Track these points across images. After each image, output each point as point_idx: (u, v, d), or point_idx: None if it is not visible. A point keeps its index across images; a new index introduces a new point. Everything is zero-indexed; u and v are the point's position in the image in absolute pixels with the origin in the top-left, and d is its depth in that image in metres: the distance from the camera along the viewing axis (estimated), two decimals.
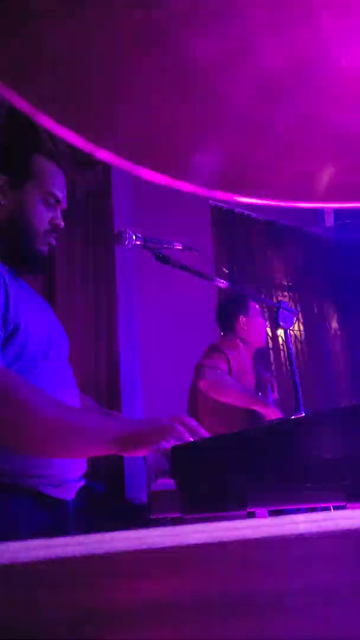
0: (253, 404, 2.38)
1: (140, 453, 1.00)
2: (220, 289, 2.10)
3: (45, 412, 0.97)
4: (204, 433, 1.00)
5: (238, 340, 2.57)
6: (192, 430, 0.98)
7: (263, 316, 2.80)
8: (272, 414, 2.37)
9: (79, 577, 0.24)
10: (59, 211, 1.26)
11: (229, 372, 2.43)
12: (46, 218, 1.23)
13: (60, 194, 1.26)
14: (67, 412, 1.02)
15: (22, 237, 1.20)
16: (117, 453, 1.02)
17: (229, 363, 2.43)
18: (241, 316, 2.63)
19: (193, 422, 1.00)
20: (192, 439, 0.96)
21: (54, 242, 1.26)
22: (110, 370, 3.20)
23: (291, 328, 1.62)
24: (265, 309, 3.00)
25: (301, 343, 4.60)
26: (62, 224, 1.26)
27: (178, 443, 0.90)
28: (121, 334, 3.30)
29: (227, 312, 2.72)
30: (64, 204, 1.28)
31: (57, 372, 1.17)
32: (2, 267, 1.17)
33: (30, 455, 1.06)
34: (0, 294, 1.08)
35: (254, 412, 2.41)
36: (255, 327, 2.67)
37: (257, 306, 2.71)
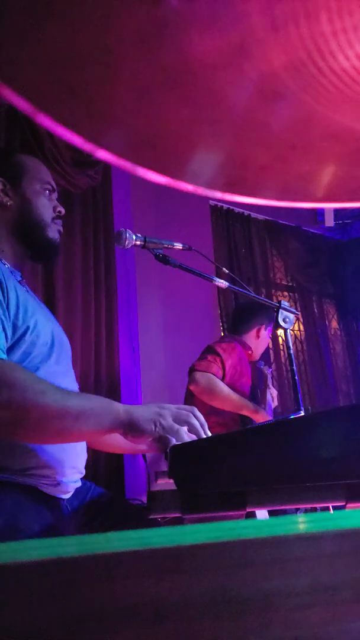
0: (242, 410, 2.35)
1: (141, 441, 0.99)
2: (220, 288, 2.09)
3: (43, 394, 0.96)
4: (208, 433, 1.00)
5: (236, 343, 2.54)
6: (202, 426, 0.98)
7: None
8: (262, 419, 2.36)
9: (79, 577, 0.24)
10: (55, 198, 1.34)
11: (223, 374, 2.39)
12: (50, 206, 1.30)
13: (53, 182, 1.34)
14: (65, 394, 1.00)
15: (36, 229, 1.27)
16: (122, 434, 1.01)
17: (223, 366, 2.40)
18: (264, 325, 2.64)
19: (202, 419, 1.00)
20: (202, 435, 0.96)
21: (61, 228, 1.33)
22: (110, 371, 3.20)
23: (291, 328, 1.62)
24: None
25: (301, 343, 4.60)
26: (63, 209, 1.34)
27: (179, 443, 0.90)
28: (121, 334, 3.31)
29: (246, 316, 2.70)
30: (56, 192, 1.36)
31: (59, 374, 1.18)
32: (12, 273, 1.19)
33: (27, 451, 1.05)
34: (12, 299, 1.10)
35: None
36: (264, 343, 2.71)
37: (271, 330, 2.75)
